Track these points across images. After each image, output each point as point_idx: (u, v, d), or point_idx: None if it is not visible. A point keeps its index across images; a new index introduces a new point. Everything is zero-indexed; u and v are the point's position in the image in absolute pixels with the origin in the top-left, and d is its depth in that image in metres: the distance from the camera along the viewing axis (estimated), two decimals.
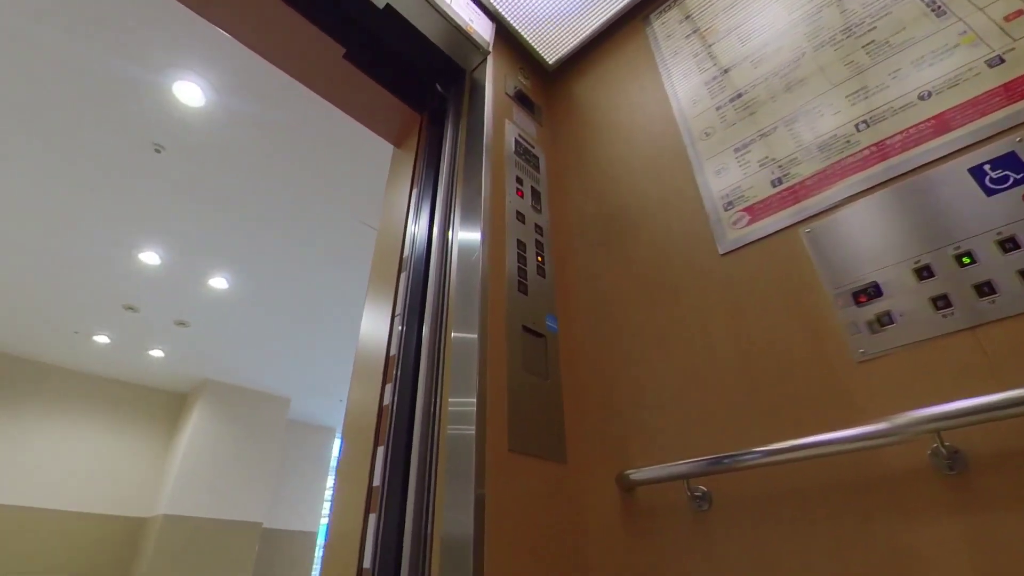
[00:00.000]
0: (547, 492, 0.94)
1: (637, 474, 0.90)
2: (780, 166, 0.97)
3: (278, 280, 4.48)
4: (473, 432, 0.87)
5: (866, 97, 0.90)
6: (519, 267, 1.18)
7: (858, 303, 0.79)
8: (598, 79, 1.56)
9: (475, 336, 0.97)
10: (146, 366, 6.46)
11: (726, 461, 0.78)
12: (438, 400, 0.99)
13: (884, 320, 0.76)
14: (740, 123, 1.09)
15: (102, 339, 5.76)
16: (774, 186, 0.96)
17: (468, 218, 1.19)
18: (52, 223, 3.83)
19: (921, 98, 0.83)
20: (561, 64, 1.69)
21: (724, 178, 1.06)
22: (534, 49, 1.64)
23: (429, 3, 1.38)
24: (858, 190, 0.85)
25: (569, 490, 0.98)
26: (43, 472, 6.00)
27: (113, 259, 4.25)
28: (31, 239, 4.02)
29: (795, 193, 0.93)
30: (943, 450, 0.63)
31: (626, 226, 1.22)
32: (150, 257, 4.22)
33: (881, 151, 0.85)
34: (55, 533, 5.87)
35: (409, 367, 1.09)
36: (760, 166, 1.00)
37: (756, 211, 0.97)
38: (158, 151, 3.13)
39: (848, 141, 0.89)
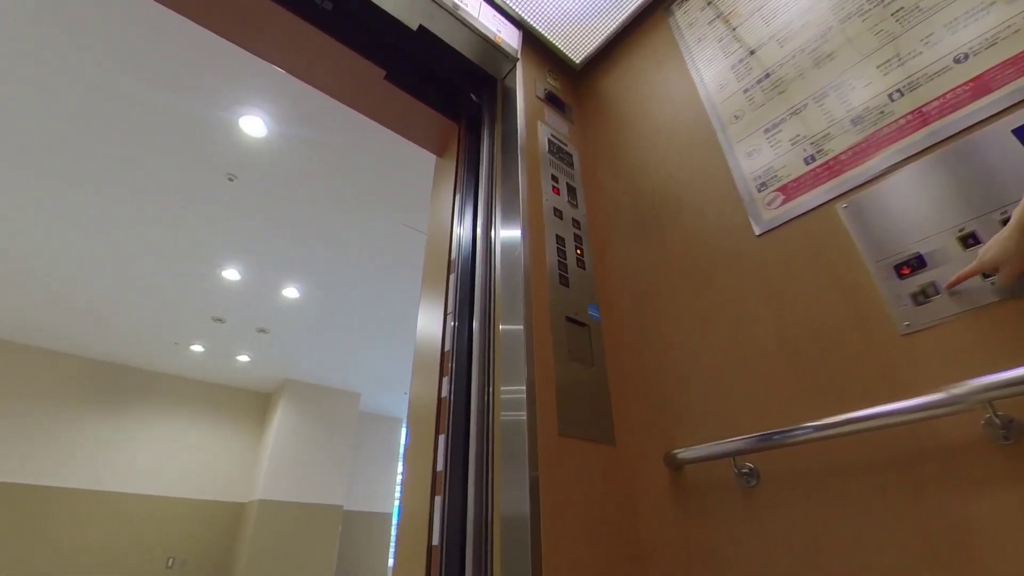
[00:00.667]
0: (598, 473, 0.94)
1: (685, 453, 0.89)
2: (813, 143, 0.92)
3: (342, 287, 4.65)
4: (524, 418, 0.88)
5: (900, 64, 0.84)
6: (559, 260, 1.18)
7: (901, 276, 0.74)
8: (625, 73, 1.53)
9: (521, 328, 0.98)
10: (235, 370, 6.89)
11: (775, 437, 0.75)
12: (491, 390, 1.00)
13: (929, 291, 0.71)
14: (769, 103, 1.04)
15: (197, 348, 6.18)
16: (807, 163, 0.92)
17: (508, 218, 1.20)
18: (148, 250, 4.14)
19: (957, 61, 0.77)
20: (588, 62, 1.67)
21: (756, 159, 1.01)
22: (560, 51, 1.63)
23: (458, 19, 1.39)
24: (896, 160, 0.80)
25: (619, 470, 0.98)
26: (156, 465, 6.53)
27: (201, 277, 4.54)
28: (132, 265, 4.37)
29: (830, 169, 0.88)
30: (997, 420, 0.59)
31: (660, 214, 1.19)
32: (231, 274, 4.49)
33: (919, 118, 0.79)
34: (170, 517, 6.39)
35: (463, 360, 1.11)
36: (792, 145, 0.96)
37: (790, 190, 0.93)
38: (231, 180, 3.32)
39: (882, 112, 0.84)
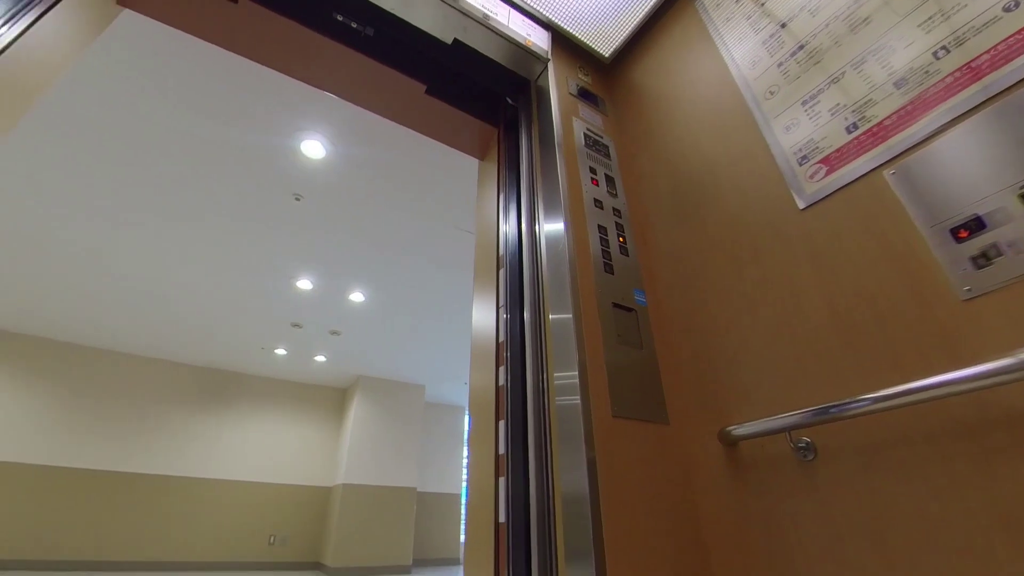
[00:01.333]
0: (653, 451, 0.94)
1: (739, 430, 0.86)
2: (854, 111, 0.86)
3: (401, 288, 4.80)
4: (579, 402, 0.88)
5: (944, 20, 0.77)
6: (603, 249, 1.17)
7: (958, 239, 0.68)
8: (654, 61, 1.48)
9: (570, 316, 0.98)
10: (314, 369, 7.27)
11: (832, 411, 0.72)
12: (545, 376, 1.01)
13: (991, 254, 0.65)
14: (805, 75, 0.98)
15: (281, 351, 6.58)
16: (849, 132, 0.86)
17: (551, 212, 1.20)
18: (234, 269, 4.44)
19: (1007, 9, 0.69)
20: (617, 55, 1.63)
21: (795, 133, 0.96)
22: (589, 46, 1.60)
23: (489, 28, 1.39)
24: (946, 120, 0.73)
25: (674, 448, 0.97)
26: (254, 455, 7.04)
27: (279, 289, 4.82)
28: (223, 283, 4.70)
29: (874, 136, 0.82)
30: None
31: (700, 197, 1.15)
32: (304, 283, 4.73)
33: (969, 74, 0.72)
34: (269, 500, 6.87)
35: (516, 350, 1.12)
36: (832, 115, 0.90)
37: (833, 161, 0.87)
38: (297, 199, 3.49)
39: (927, 71, 0.77)
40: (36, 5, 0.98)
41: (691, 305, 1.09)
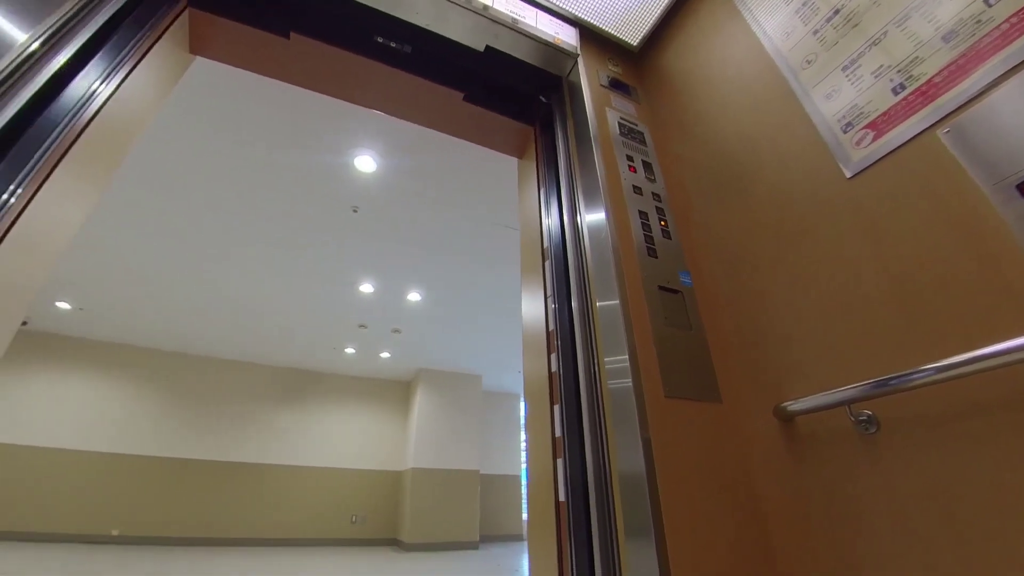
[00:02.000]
0: (707, 430, 0.92)
1: (795, 405, 0.83)
2: (900, 71, 0.79)
3: (454, 286, 4.90)
4: (630, 384, 0.87)
5: None
6: (645, 234, 1.14)
7: None
8: (683, 45, 1.43)
9: (617, 302, 0.97)
10: (380, 365, 7.58)
11: (893, 382, 0.67)
12: (595, 361, 1.01)
13: None
14: (843, 40, 0.91)
15: (350, 350, 6.91)
16: (896, 94, 0.79)
17: (591, 202, 1.19)
18: (305, 279, 4.70)
19: None
20: (646, 43, 1.58)
21: (836, 101, 0.90)
22: (617, 37, 1.56)
23: (519, 32, 1.39)
24: (1002, 72, 0.66)
25: (728, 426, 0.94)
26: (333, 444, 7.47)
27: (344, 294, 5.06)
28: (296, 291, 4.99)
29: (923, 95, 0.75)
30: None
31: (740, 174, 1.10)
32: (367, 287, 4.93)
33: None
34: (349, 484, 7.28)
35: (567, 337, 1.12)
36: (875, 77, 0.83)
37: (880, 125, 0.81)
38: (355, 211, 3.64)
39: (979, 21, 0.70)
40: (126, 62, 1.08)
41: (738, 283, 1.05)
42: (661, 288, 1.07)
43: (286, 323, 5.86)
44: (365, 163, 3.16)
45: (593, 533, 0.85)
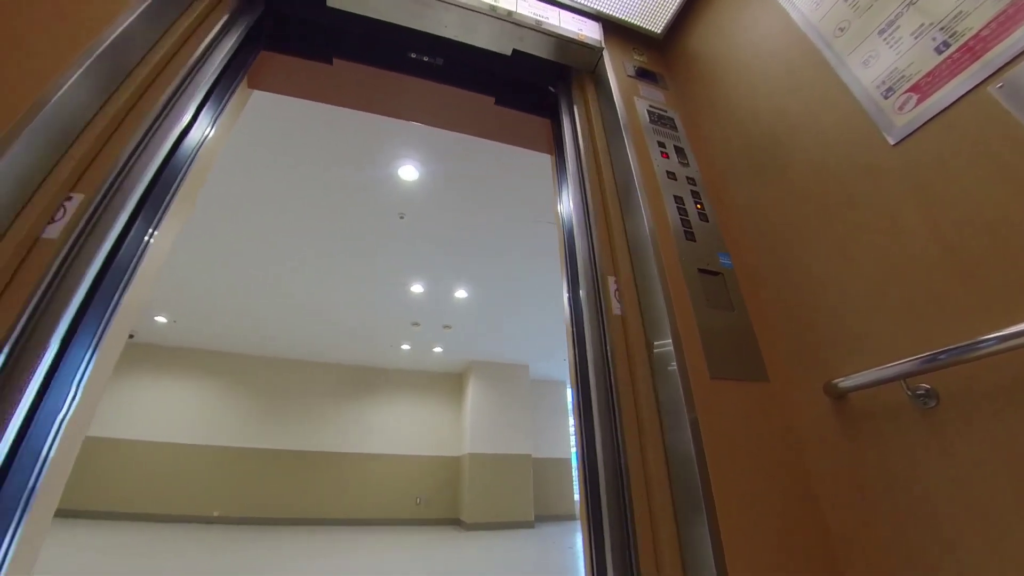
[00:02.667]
0: (754, 409, 0.88)
1: (846, 381, 0.77)
2: (942, 29, 0.73)
3: (498, 281, 4.95)
4: (675, 367, 0.86)
5: None
6: (681, 219, 1.11)
7: None
8: (708, 27, 1.36)
9: (658, 287, 0.96)
10: (434, 359, 7.79)
11: (953, 354, 0.61)
12: (630, 348, 0.99)
13: None
14: (877, 3, 0.84)
15: (406, 347, 7.14)
16: (940, 52, 0.73)
17: (626, 191, 1.17)
18: (362, 282, 4.90)
19: None
20: (669, 29, 1.52)
21: (874, 67, 0.83)
22: (641, 27, 1.51)
23: (543, 32, 1.38)
24: None
25: (776, 405, 0.91)
26: (397, 432, 7.76)
27: (398, 295, 5.23)
28: (354, 296, 5.22)
29: (970, 51, 0.68)
30: None
31: (776, 151, 1.05)
32: (417, 288, 5.08)
33: None
34: (413, 468, 7.57)
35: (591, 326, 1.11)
36: (915, 38, 0.76)
37: (924, 87, 0.74)
38: (402, 217, 3.75)
39: None
40: (218, 109, 1.18)
41: (780, 261, 1.00)
42: (701, 271, 1.04)
43: (349, 325, 6.14)
44: (408, 172, 3.24)
45: (635, 512, 0.83)
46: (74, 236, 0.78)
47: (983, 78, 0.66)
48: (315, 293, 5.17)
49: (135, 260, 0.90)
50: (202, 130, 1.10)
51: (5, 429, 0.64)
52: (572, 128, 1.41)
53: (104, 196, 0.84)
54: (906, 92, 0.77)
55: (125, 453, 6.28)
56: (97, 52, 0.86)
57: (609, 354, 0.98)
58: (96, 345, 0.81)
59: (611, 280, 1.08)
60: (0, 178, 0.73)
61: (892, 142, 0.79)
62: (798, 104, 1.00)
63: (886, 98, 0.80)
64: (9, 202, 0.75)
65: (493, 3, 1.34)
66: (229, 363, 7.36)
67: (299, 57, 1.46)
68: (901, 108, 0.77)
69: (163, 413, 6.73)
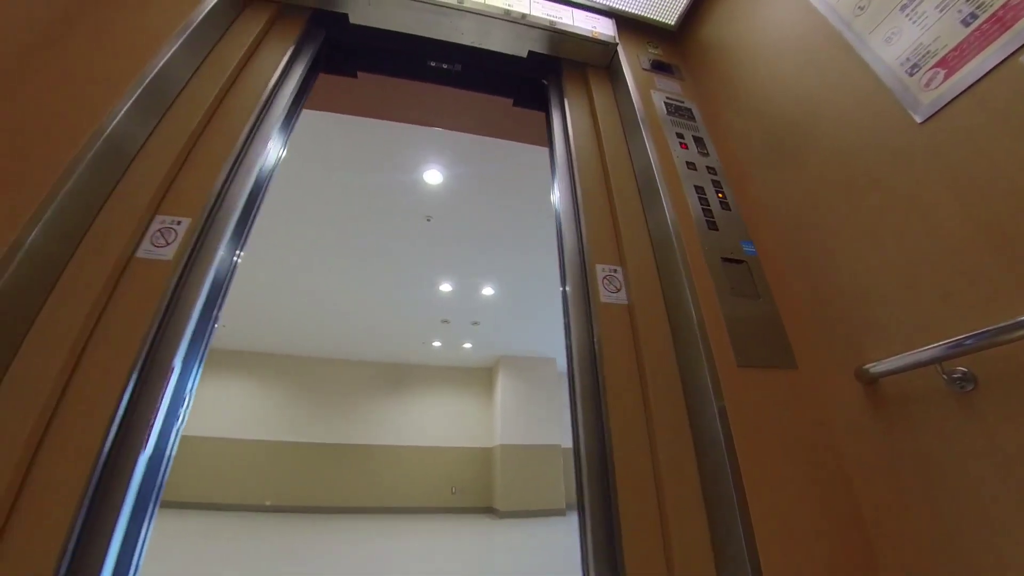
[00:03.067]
0: (783, 397, 0.86)
1: (878, 367, 0.74)
2: (968, 0, 0.69)
3: (523, 278, 4.96)
4: (701, 356, 0.85)
5: None
6: (703, 208, 1.09)
7: None
8: (723, 15, 1.33)
9: (682, 277, 0.95)
10: (464, 355, 7.89)
11: (990, 335, 0.58)
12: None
13: None
14: None
15: (436, 344, 7.26)
16: (967, 24, 0.69)
17: (646, 183, 1.16)
18: (393, 283, 5.01)
19: None
20: (683, 20, 1.48)
21: (897, 44, 0.79)
22: (654, 20, 1.48)
23: (557, 32, 1.37)
24: None
25: (805, 392, 0.88)
26: (430, 426, 7.94)
27: (428, 294, 5.32)
28: (386, 296, 5.34)
29: (1000, 21, 0.64)
30: None
31: (797, 136, 1.02)
32: (445, 287, 5.15)
33: None
34: (448, 459, 7.71)
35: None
36: (940, 11, 0.72)
37: (951, 61, 0.71)
38: (428, 220, 3.81)
39: None
40: (291, 125, 1.27)
41: (806, 245, 0.97)
42: (724, 260, 1.02)
43: (382, 324, 6.29)
44: (433, 176, 3.28)
45: (620, 503, 0.81)
46: (185, 257, 0.84)
47: (1014, 49, 0.63)
48: (351, 296, 5.31)
49: (228, 278, 0.96)
50: (277, 152, 1.16)
51: (147, 441, 0.72)
52: (561, 119, 1.39)
53: (207, 220, 0.90)
54: (932, 68, 0.73)
55: (188, 448, 6.69)
56: (146, 80, 0.92)
57: (597, 344, 0.96)
58: (203, 358, 0.87)
59: (600, 269, 1.06)
60: (90, 197, 0.80)
61: (919, 120, 0.75)
62: (819, 87, 0.97)
63: (911, 75, 0.76)
64: (115, 223, 0.82)
65: (507, 7, 1.35)
66: (273, 364, 7.71)
67: (327, 73, 1.51)
68: (927, 85, 0.73)
69: (220, 411, 7.11)
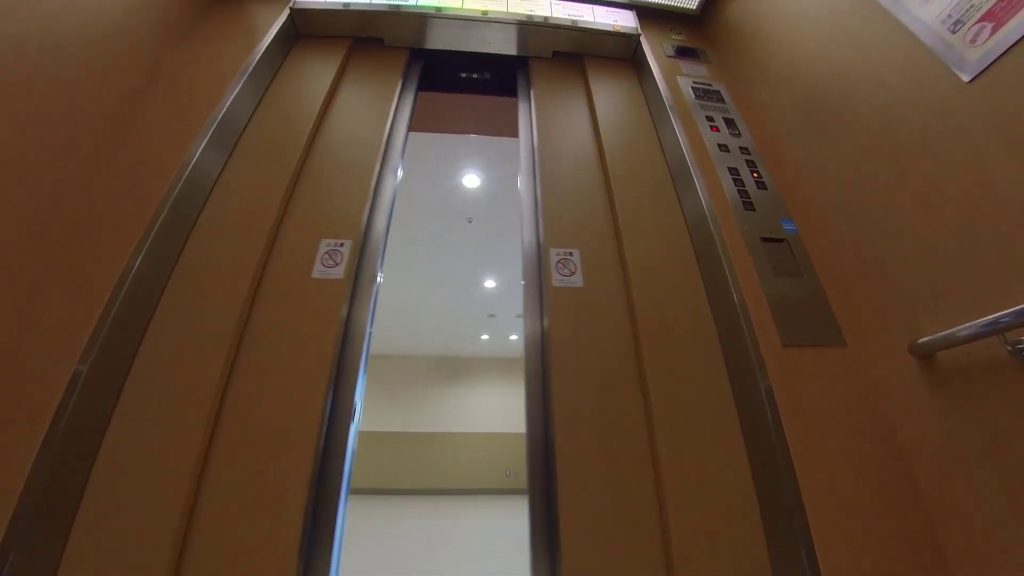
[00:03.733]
0: (832, 375, 0.82)
1: (934, 340, 0.69)
2: None
3: None
4: (745, 337, 0.83)
5: None
6: (738, 189, 1.06)
7: None
8: None
9: (720, 260, 0.92)
10: (511, 346, 8.00)
11: None
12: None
13: None
14: None
15: (485, 337, 7.41)
16: None
17: (679, 170, 1.13)
18: (444, 281, 5.17)
19: None
20: (705, 3, 1.42)
21: (936, 1, 0.73)
22: (675, 6, 1.43)
23: (580, 30, 1.36)
24: None
25: (855, 369, 0.83)
26: (484, 414, 8.11)
27: (475, 290, 5.44)
28: (438, 294, 5.51)
29: None
30: None
31: (834, 107, 0.95)
32: (490, 283, 5.24)
33: None
34: (501, 444, 7.86)
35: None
36: None
37: (998, 13, 0.64)
38: (470, 221, 3.88)
39: None
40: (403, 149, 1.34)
41: (851, 220, 0.91)
42: (764, 239, 0.98)
43: (435, 320, 6.52)
44: (471, 180, 3.34)
45: (559, 489, 0.78)
46: (352, 275, 0.95)
47: None
48: (406, 296, 5.53)
49: (376, 294, 1.04)
50: (396, 175, 1.24)
51: (348, 439, 0.86)
52: (527, 110, 1.37)
53: (363, 242, 1.02)
54: (977, 23, 0.66)
55: None
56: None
57: (544, 329, 0.94)
58: (367, 363, 0.96)
59: (554, 252, 1.02)
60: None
61: (967, 79, 0.69)
62: (855, 55, 0.90)
63: (954, 32, 0.70)
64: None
65: (529, 13, 1.35)
66: None
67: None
68: (973, 41, 0.67)
69: None
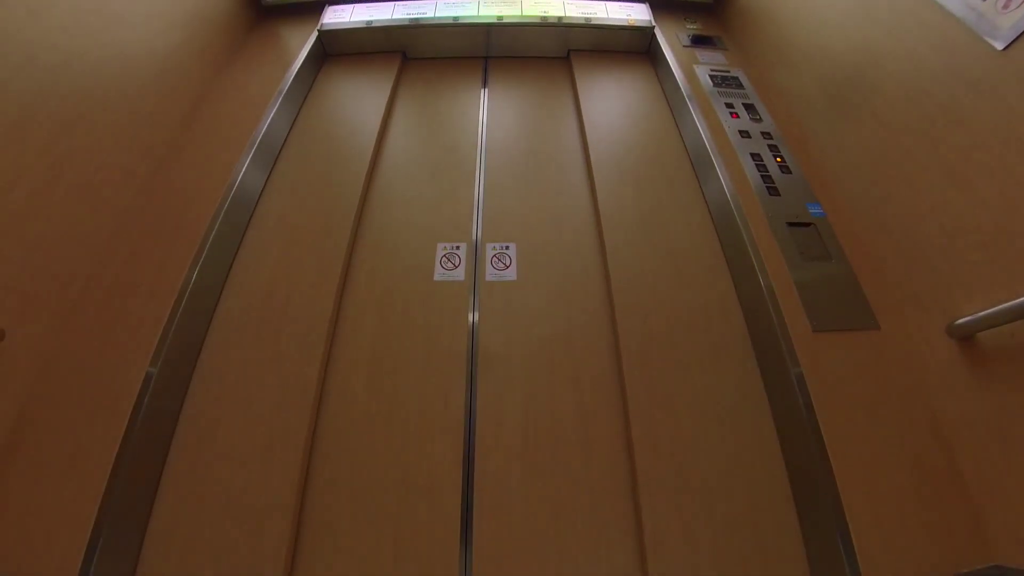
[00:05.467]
0: (866, 359, 0.79)
1: (973, 321, 0.66)
2: None
3: None
4: (773, 323, 0.82)
5: None
6: (761, 176, 1.04)
7: None
8: None
9: (746, 247, 0.91)
10: None
11: None
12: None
13: None
14: None
15: None
16: None
17: (699, 159, 1.12)
18: None
19: None
20: None
21: None
22: None
23: (594, 28, 1.37)
24: None
25: (890, 353, 0.80)
26: None
27: None
28: None
29: None
30: None
31: (862, 84, 0.92)
32: None
33: None
34: None
35: None
36: None
37: None
38: None
39: None
40: None
41: (881, 199, 0.88)
42: (790, 224, 0.96)
43: None
44: None
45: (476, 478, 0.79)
46: (472, 276, 1.00)
47: None
48: None
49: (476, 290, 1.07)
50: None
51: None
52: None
53: (476, 244, 1.06)
54: None
55: None
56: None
57: (474, 320, 0.95)
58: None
59: (490, 247, 1.04)
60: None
61: (1000, 47, 0.65)
62: (879, 31, 0.87)
63: (984, 0, 0.67)
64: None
65: (543, 14, 1.37)
66: None
67: None
68: (1006, 7, 0.64)
69: None
